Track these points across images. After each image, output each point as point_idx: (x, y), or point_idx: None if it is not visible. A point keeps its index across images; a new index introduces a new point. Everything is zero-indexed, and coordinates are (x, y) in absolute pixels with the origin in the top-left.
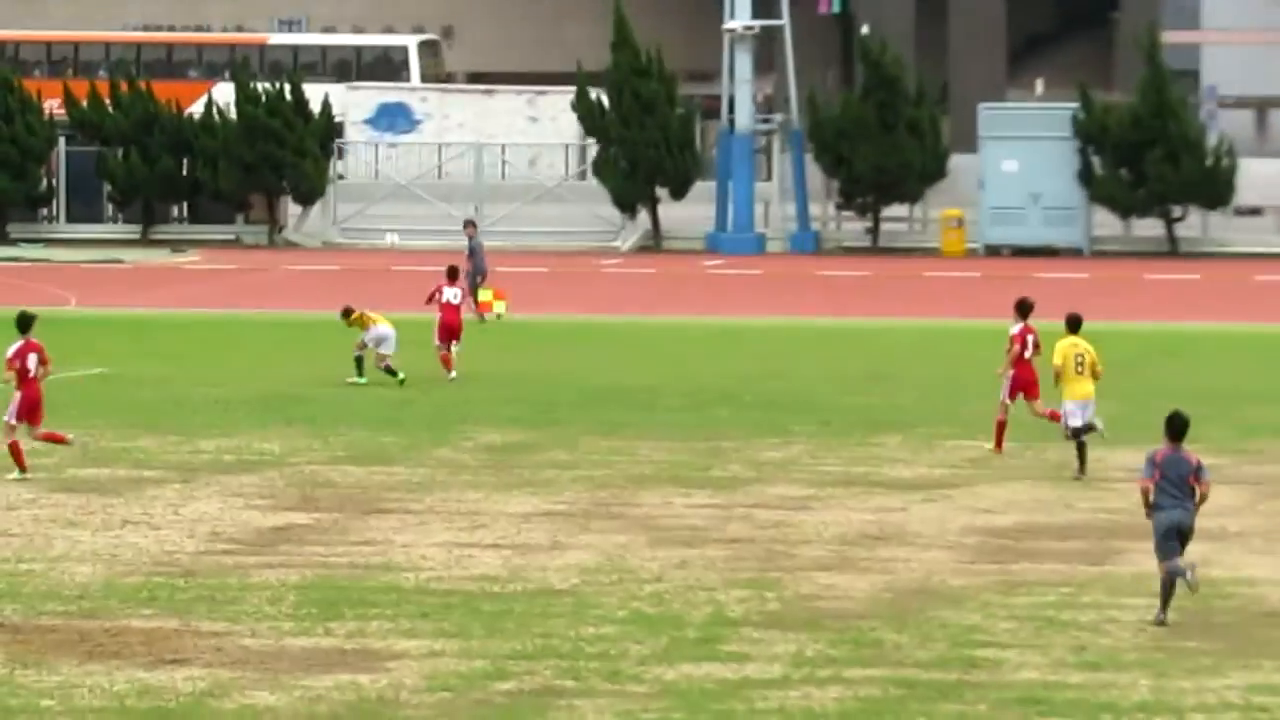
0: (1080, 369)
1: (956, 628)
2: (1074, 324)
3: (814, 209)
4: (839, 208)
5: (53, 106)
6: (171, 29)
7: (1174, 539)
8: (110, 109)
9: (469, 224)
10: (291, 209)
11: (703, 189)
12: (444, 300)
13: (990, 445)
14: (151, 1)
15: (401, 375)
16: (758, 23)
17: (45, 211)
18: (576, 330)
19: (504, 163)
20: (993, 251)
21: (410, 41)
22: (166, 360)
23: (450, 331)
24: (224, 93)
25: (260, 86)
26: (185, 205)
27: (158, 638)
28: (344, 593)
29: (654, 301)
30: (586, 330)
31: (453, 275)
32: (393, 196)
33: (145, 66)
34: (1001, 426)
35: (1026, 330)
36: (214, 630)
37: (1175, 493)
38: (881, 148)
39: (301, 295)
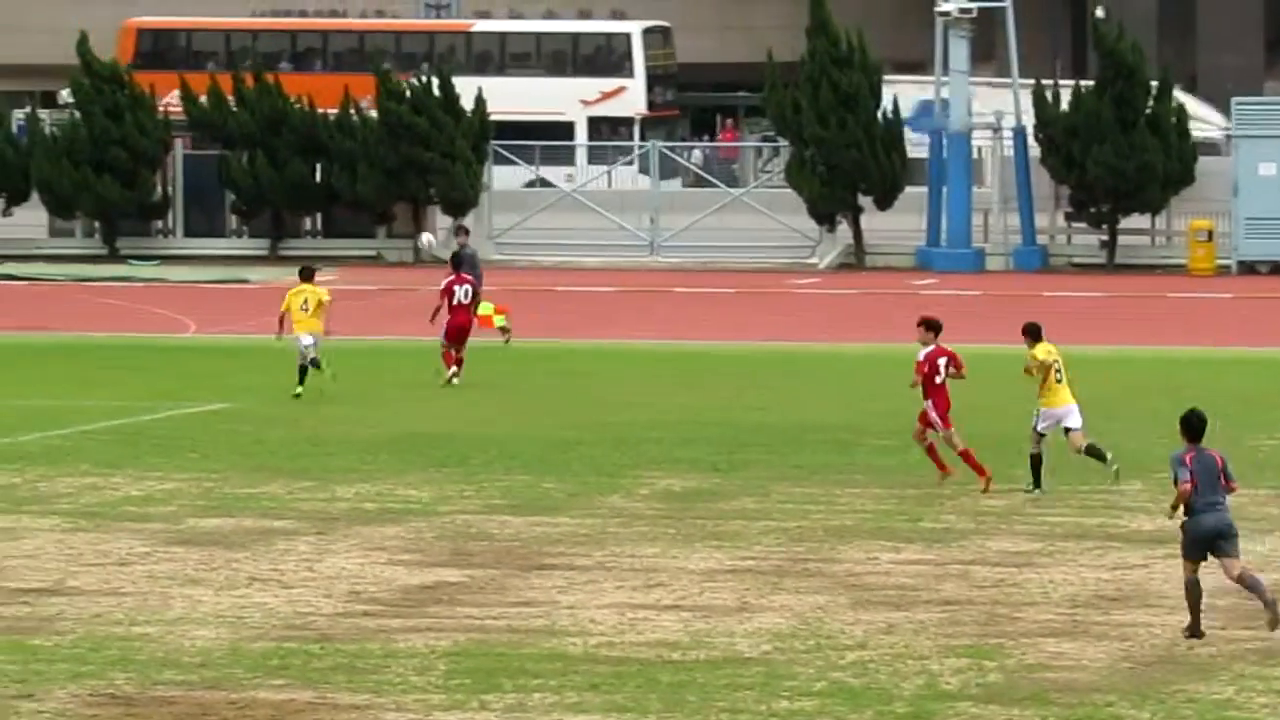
0: (1060, 377)
1: (1206, 703)
2: (1036, 333)
3: (1040, 220)
4: (1069, 218)
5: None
6: (303, 14)
7: (1210, 544)
8: (234, 106)
9: (460, 230)
10: (440, 220)
11: (912, 197)
12: (455, 301)
13: (938, 476)
14: None
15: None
16: (975, 4)
17: (160, 224)
18: (766, 360)
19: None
20: (1247, 269)
21: (634, 28)
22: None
23: (461, 332)
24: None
25: (411, 81)
26: (319, 217)
27: (289, 711)
28: (501, 661)
29: (856, 327)
30: (777, 360)
31: (457, 265)
32: (555, 206)
33: (334, 57)
34: (965, 456)
35: (939, 352)
36: (353, 704)
37: (1211, 496)
38: (1119, 149)
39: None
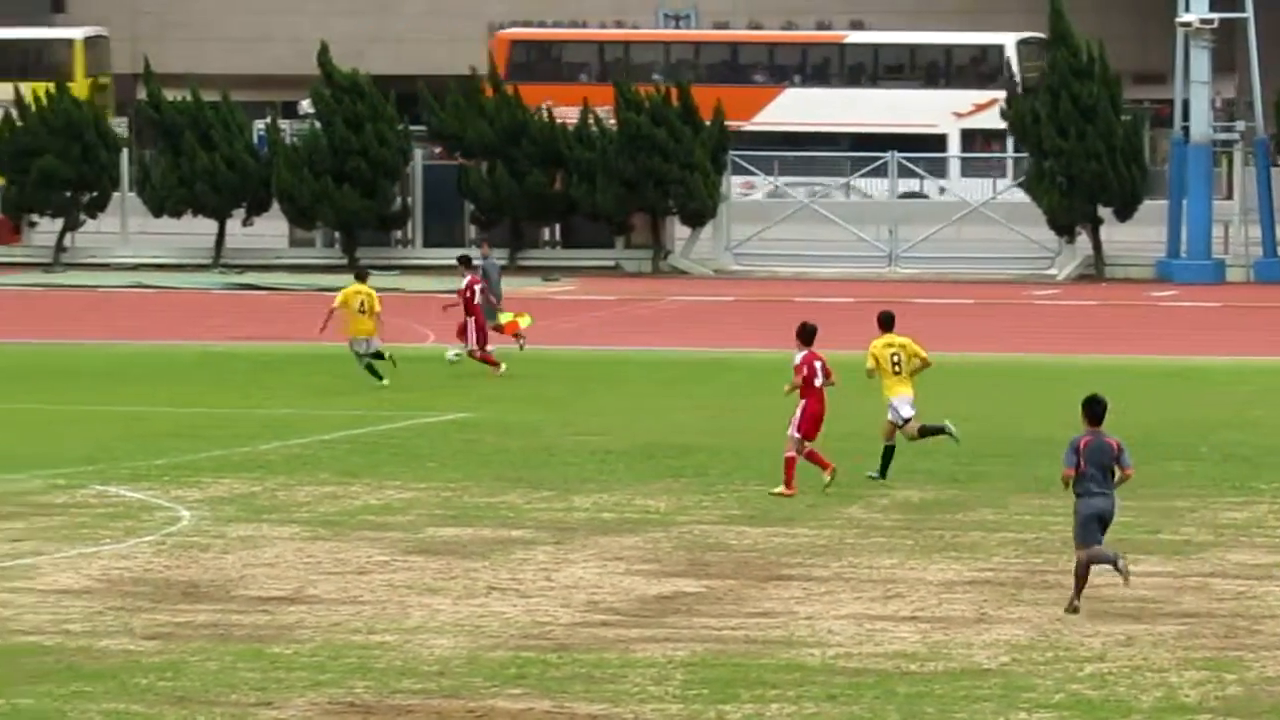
0: (898, 368)
1: None
2: (887, 322)
3: None
4: None
5: (604, 114)
6: (542, 25)
7: (1095, 525)
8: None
9: (482, 242)
10: (678, 231)
11: (1152, 208)
12: (476, 301)
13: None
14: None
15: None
16: (1216, 15)
17: (399, 234)
18: (1004, 371)
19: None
20: None
21: (1008, 40)
22: (536, 405)
23: (482, 331)
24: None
25: (645, 90)
26: (558, 227)
27: None
28: (739, 671)
29: (1095, 338)
30: (1016, 370)
31: (468, 265)
32: (795, 218)
33: (707, 69)
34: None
35: (812, 357)
36: (591, 713)
37: (1100, 480)
38: None
39: (690, 330)
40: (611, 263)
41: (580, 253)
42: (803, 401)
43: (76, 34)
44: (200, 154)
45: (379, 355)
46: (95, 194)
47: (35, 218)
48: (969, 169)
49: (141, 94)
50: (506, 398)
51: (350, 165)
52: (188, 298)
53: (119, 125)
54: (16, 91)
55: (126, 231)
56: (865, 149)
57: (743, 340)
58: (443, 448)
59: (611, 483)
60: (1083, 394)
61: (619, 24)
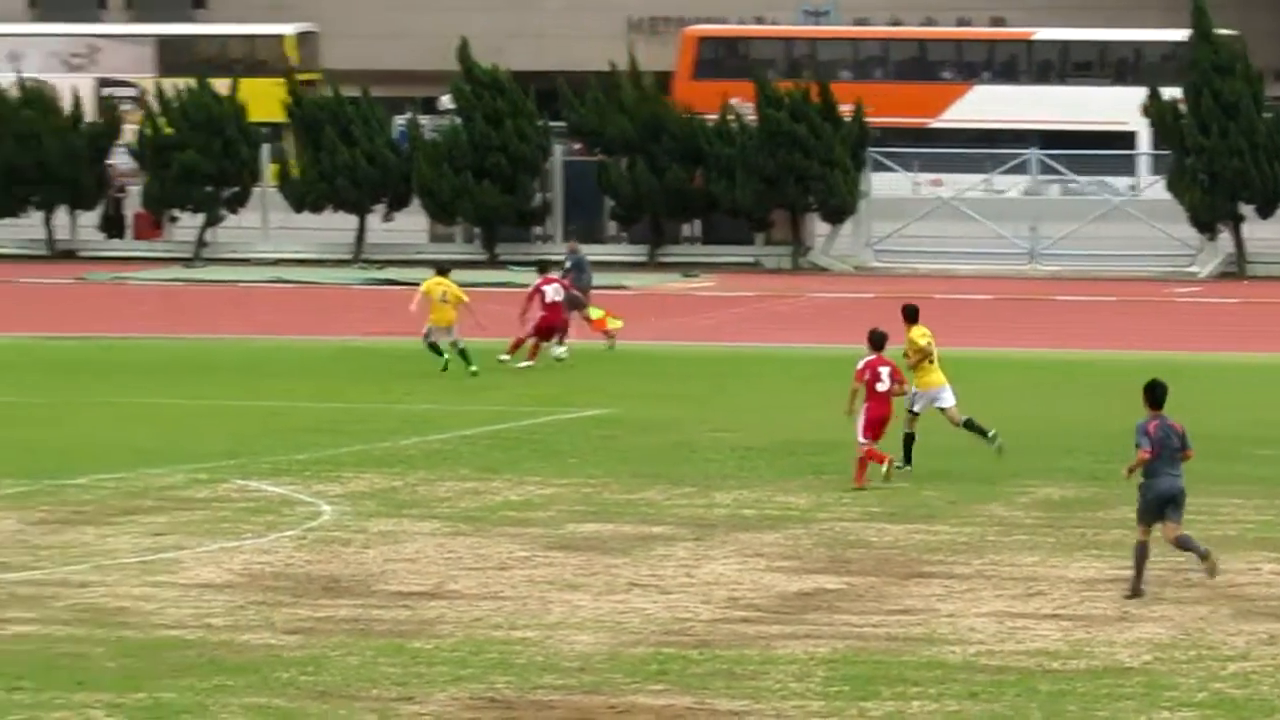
0: (931, 359)
1: None
2: (913, 315)
3: None
4: None
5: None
6: (681, 20)
7: (1169, 507)
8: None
9: (570, 238)
10: (818, 228)
11: None
12: (547, 300)
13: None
14: None
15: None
16: None
17: (539, 230)
18: (1146, 368)
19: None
20: None
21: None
22: (676, 401)
23: (550, 330)
24: None
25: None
26: (698, 223)
27: (668, 717)
28: (880, 668)
29: (1236, 336)
30: (1157, 368)
31: (544, 269)
32: (935, 214)
33: (895, 66)
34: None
35: (878, 362)
36: (732, 709)
37: (1169, 462)
38: None
39: (830, 326)
40: (751, 259)
41: (720, 249)
42: (867, 405)
43: (288, 29)
44: (341, 149)
45: (463, 354)
46: (236, 189)
47: (176, 213)
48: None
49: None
50: (646, 394)
51: (490, 161)
52: (328, 293)
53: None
54: (233, 86)
55: (267, 227)
56: (1053, 147)
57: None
58: (583, 444)
59: (752, 479)
60: (1224, 392)
61: (759, 19)
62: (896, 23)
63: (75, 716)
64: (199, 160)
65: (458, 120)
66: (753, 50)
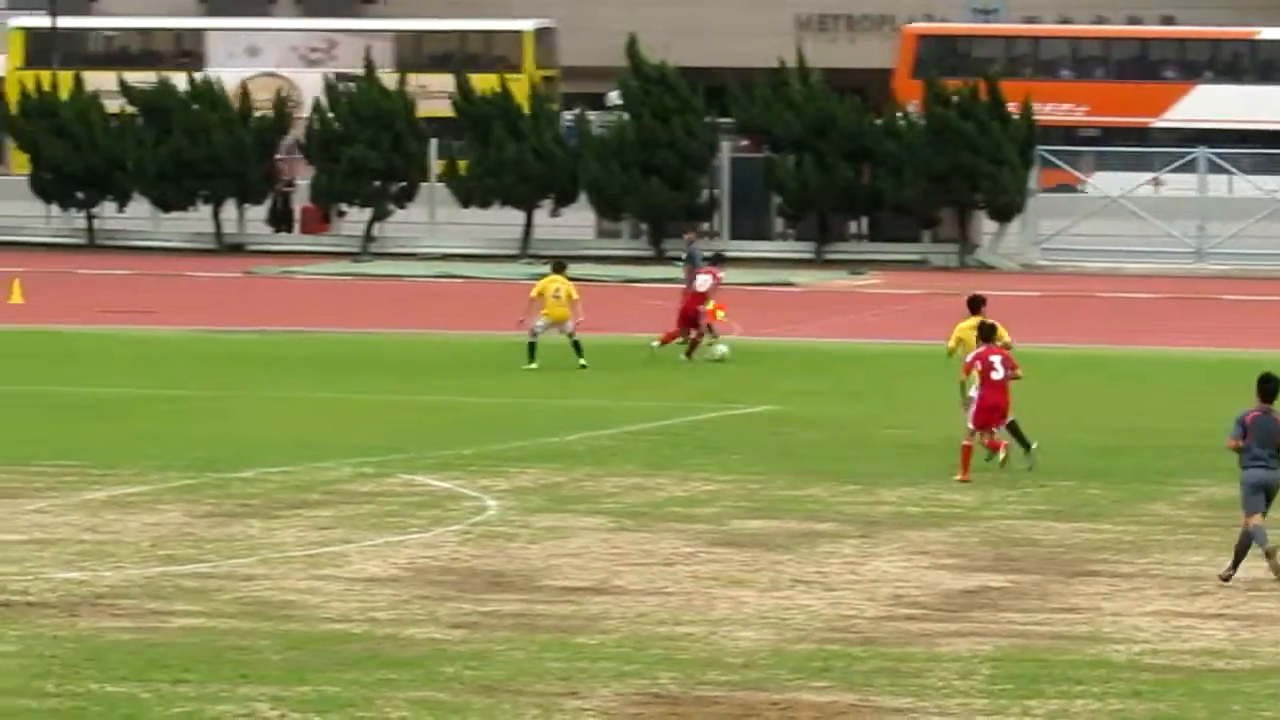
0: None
1: None
2: (976, 305)
3: None
4: None
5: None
6: (849, 18)
7: (1259, 495)
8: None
9: (686, 229)
10: (985, 225)
11: None
12: (694, 289)
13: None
14: None
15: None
16: None
17: (706, 226)
18: None
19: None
20: None
21: None
22: (842, 398)
23: (686, 319)
24: None
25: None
26: (865, 220)
27: (831, 713)
28: (1045, 667)
29: None
30: None
31: (717, 262)
32: (1103, 213)
33: (1115, 66)
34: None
35: (989, 352)
36: (896, 707)
37: (1261, 454)
38: None
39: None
40: (918, 257)
41: (886, 246)
42: (981, 394)
43: (526, 25)
44: (508, 144)
45: (576, 346)
46: (404, 184)
47: (344, 207)
48: None
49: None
50: (812, 391)
51: (658, 157)
52: (494, 288)
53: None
54: (462, 82)
55: (434, 222)
56: (1277, 147)
57: (1049, 336)
58: (748, 440)
59: (917, 476)
60: None
61: (928, 17)
62: (1066, 21)
63: (240, 709)
64: (367, 154)
65: (625, 116)
66: (973, 49)
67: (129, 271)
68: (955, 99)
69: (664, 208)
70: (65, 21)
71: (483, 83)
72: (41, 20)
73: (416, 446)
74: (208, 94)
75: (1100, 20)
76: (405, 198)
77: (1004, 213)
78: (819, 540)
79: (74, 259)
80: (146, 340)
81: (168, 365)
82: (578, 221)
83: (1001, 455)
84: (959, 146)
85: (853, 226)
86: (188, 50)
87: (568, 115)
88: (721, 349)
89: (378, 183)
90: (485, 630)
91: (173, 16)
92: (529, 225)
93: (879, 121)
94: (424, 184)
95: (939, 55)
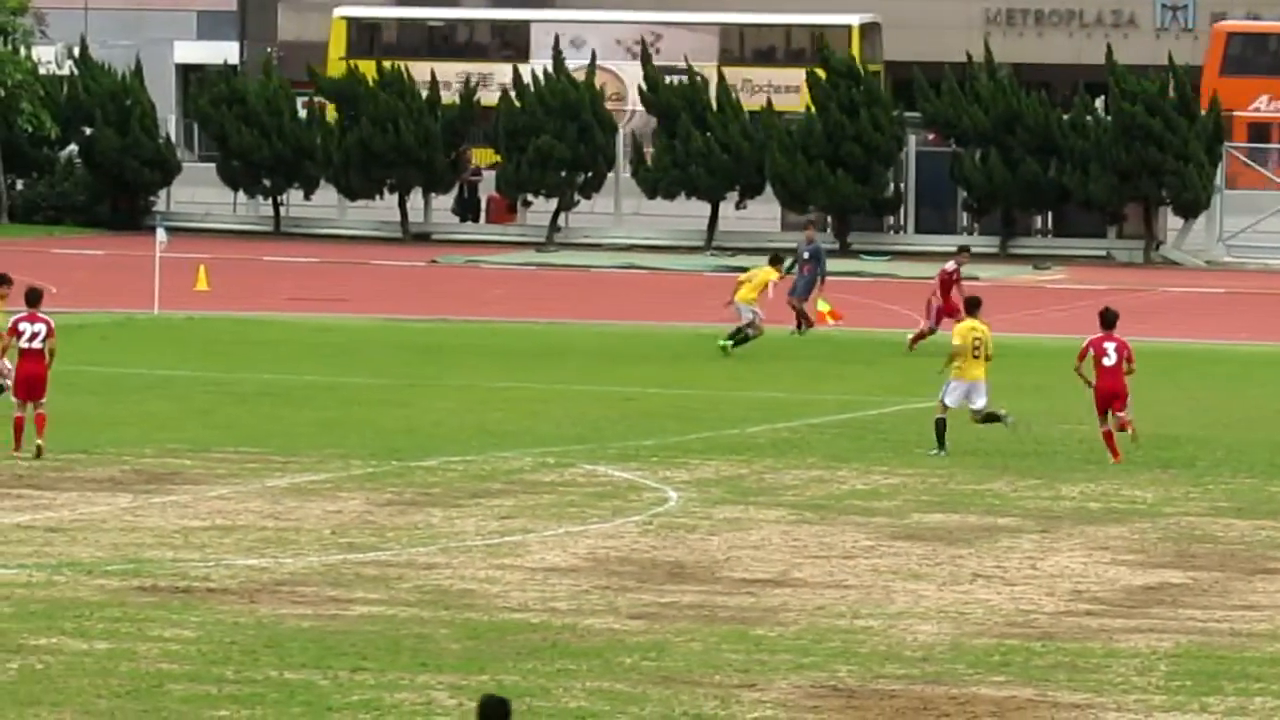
0: (976, 353)
1: None
2: (974, 306)
3: None
4: None
5: None
6: (1031, 13)
7: None
8: (968, 103)
9: (808, 225)
10: (1171, 222)
11: None
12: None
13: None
14: None
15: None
16: None
17: (891, 220)
18: None
19: None
20: None
21: None
22: (1024, 393)
23: (941, 315)
24: None
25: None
26: (1049, 215)
27: (1009, 708)
28: (1223, 664)
29: None
30: None
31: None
32: None
33: None
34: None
35: (1105, 338)
36: (1074, 702)
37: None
38: None
39: (1181, 321)
40: (1103, 252)
41: (1071, 242)
42: (1096, 382)
43: (853, 20)
44: (695, 136)
45: (746, 330)
46: (590, 174)
47: (530, 197)
48: None
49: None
50: (994, 386)
51: (845, 150)
52: (679, 279)
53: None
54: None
55: (620, 212)
56: None
57: (1234, 332)
58: (930, 434)
59: (1098, 472)
60: None
61: (1116, 14)
62: (1255, 17)
63: (418, 697)
64: (554, 145)
65: (813, 109)
66: None
67: (314, 259)
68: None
69: (850, 200)
70: (388, 11)
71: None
72: (364, 10)
73: (598, 437)
74: (397, 83)
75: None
76: (591, 188)
77: (1190, 209)
78: (999, 535)
79: (260, 246)
80: (331, 328)
81: (352, 354)
82: (763, 214)
83: (1131, 432)
84: (1145, 143)
85: (1037, 221)
86: (510, 42)
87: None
88: None
89: (564, 173)
90: (664, 621)
91: (497, 8)
92: (714, 217)
93: (1066, 116)
94: (610, 175)
95: (1249, 53)
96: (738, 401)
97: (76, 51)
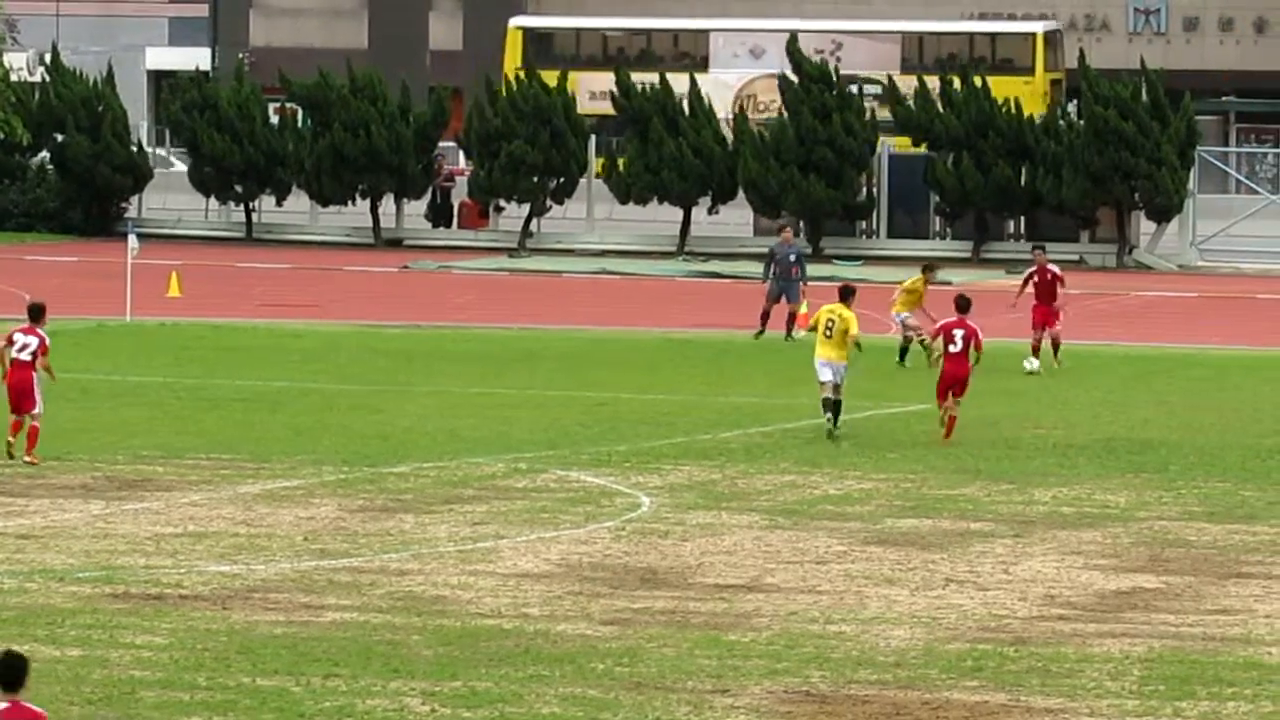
0: (829, 333)
1: None
2: (843, 293)
3: None
4: None
5: None
6: (1012, 17)
7: None
8: (941, 107)
9: (782, 228)
10: (1144, 226)
11: None
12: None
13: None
14: None
15: None
16: None
17: (864, 224)
18: None
19: None
20: None
21: None
22: (997, 397)
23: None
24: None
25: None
26: (1022, 220)
27: (982, 713)
28: (1196, 669)
29: None
30: None
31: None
32: (1262, 214)
33: None
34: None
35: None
36: (1047, 707)
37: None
38: None
39: (1153, 326)
40: (1075, 256)
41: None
42: (944, 365)
43: (1036, 28)
44: (667, 141)
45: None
46: (562, 180)
47: (502, 203)
48: None
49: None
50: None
51: (817, 155)
52: (651, 285)
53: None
54: (970, 83)
55: (592, 218)
56: None
57: (1207, 336)
58: (903, 439)
59: (1071, 477)
60: None
61: (1089, 18)
62: (1227, 21)
63: (391, 704)
64: (526, 150)
65: (785, 114)
66: None
67: (286, 265)
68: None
69: (822, 205)
70: (563, 21)
71: (997, 88)
72: (540, 20)
73: (571, 443)
74: (369, 89)
75: (1261, 21)
76: (564, 194)
77: (1162, 213)
78: (972, 540)
79: (232, 252)
80: (303, 334)
81: (324, 359)
82: (735, 219)
83: (950, 422)
84: (1118, 147)
85: (1010, 226)
86: (687, 52)
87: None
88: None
89: (536, 178)
90: (637, 627)
91: (674, 17)
92: (686, 222)
93: (1038, 121)
94: (582, 180)
95: None
96: (710, 406)
97: (48, 58)
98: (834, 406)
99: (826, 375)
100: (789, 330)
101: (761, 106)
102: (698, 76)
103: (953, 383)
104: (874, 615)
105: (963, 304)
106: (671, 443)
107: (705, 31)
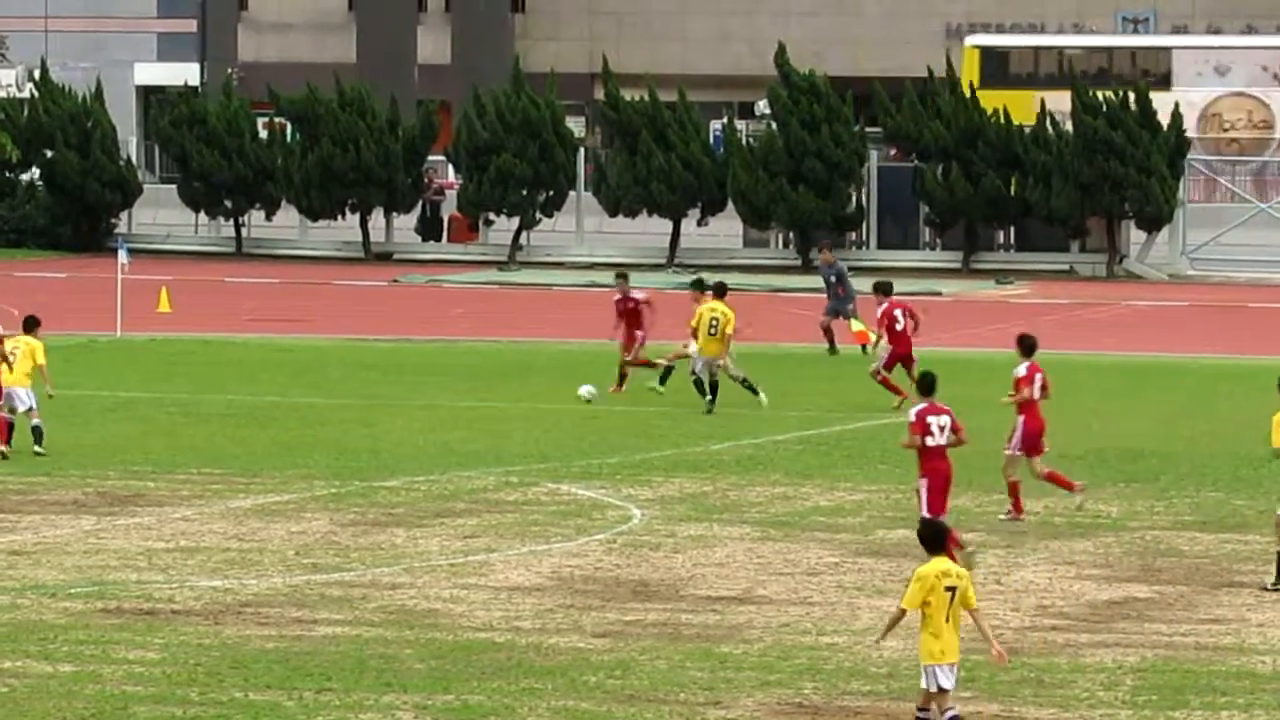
0: (714, 331)
1: None
2: (720, 291)
3: None
4: None
5: None
6: (994, 28)
7: None
8: (930, 118)
9: (822, 247)
10: (1134, 235)
11: None
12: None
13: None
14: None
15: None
16: None
17: (853, 236)
18: None
19: None
20: None
21: None
22: (988, 408)
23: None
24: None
25: (1102, 95)
26: (1012, 230)
27: None
28: (1189, 678)
29: None
30: None
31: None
32: (1252, 223)
33: None
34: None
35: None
36: (1039, 717)
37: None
38: None
39: (1144, 335)
40: (1065, 266)
41: (1034, 256)
42: (891, 347)
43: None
44: (656, 153)
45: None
46: (551, 193)
47: (492, 216)
48: None
49: (599, 93)
50: (960, 400)
51: (806, 166)
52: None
53: (576, 125)
54: (1135, 95)
55: (582, 230)
56: None
57: (1197, 346)
58: (895, 449)
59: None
60: None
61: (1076, 27)
62: (1216, 31)
63: (383, 718)
64: (515, 163)
65: (774, 125)
66: None
67: (276, 280)
68: (1104, 107)
69: (811, 217)
70: (1020, 40)
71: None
72: (998, 39)
73: (561, 455)
74: (357, 103)
75: (1249, 29)
76: (553, 207)
77: (1152, 222)
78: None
79: (222, 267)
80: (293, 348)
81: (314, 374)
82: (725, 230)
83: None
84: (1108, 156)
85: (1000, 236)
86: (1147, 70)
87: (715, 124)
88: None
89: (525, 191)
90: (629, 639)
91: (1139, 35)
92: (676, 234)
93: (1028, 130)
94: (572, 193)
95: None
96: (701, 419)
97: (37, 74)
98: (712, 388)
99: (699, 366)
100: (830, 344)
101: (1226, 125)
102: (1159, 95)
103: (904, 359)
104: (866, 626)
105: (882, 286)
106: (662, 455)
107: (1168, 49)
